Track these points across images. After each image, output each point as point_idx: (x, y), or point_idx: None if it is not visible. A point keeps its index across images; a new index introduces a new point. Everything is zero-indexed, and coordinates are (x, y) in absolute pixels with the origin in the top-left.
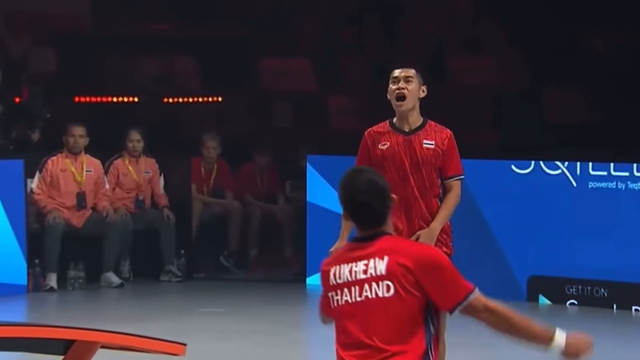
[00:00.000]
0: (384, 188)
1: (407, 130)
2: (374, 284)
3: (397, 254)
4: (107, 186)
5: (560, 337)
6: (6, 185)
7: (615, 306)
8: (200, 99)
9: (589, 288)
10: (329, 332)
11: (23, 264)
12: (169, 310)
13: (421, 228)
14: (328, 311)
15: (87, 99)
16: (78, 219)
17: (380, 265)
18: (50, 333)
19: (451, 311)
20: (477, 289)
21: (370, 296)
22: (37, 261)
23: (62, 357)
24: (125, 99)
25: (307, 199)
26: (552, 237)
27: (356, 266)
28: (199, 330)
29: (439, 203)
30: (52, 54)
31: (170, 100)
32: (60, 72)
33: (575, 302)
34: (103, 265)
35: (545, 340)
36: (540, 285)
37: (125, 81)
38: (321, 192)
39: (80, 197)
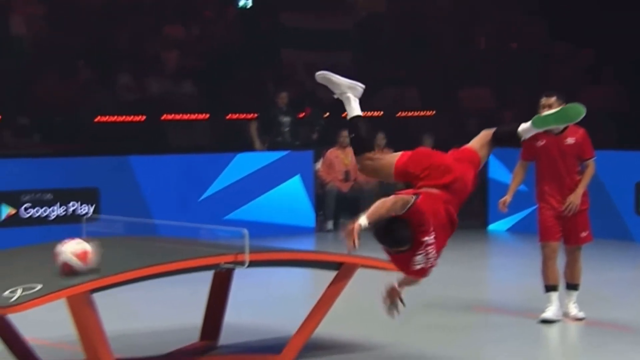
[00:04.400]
0: (406, 237)
1: (555, 132)
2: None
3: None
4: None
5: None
6: (302, 166)
7: None
8: (421, 113)
9: None
10: (506, 260)
11: (312, 214)
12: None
13: (570, 193)
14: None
15: None
16: (345, 187)
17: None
18: (328, 257)
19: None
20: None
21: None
22: (320, 212)
23: (335, 272)
24: (375, 114)
25: (489, 175)
26: None
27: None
28: None
29: (579, 176)
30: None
31: (402, 114)
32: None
33: None
34: (360, 215)
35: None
36: None
37: (374, 102)
38: (497, 170)
39: (347, 173)
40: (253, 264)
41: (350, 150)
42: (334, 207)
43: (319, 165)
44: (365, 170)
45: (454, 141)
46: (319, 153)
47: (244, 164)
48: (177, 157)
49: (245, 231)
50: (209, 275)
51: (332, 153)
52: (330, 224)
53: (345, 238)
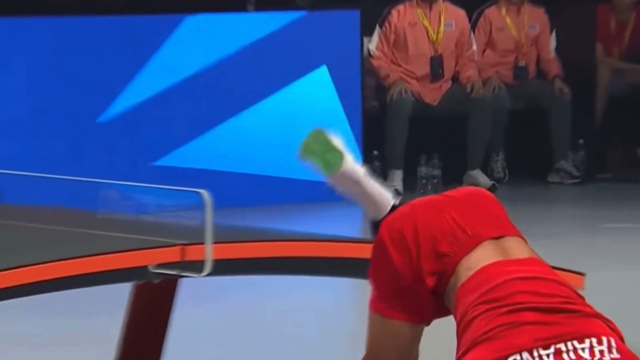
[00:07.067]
0: None
1: None
2: None
3: None
4: (475, 47)
5: None
6: (335, 46)
7: None
8: None
9: None
10: None
11: (357, 156)
12: (560, 223)
13: None
14: None
15: None
16: (432, 94)
17: None
18: None
19: None
20: None
21: None
22: (375, 153)
23: None
24: None
25: None
26: None
27: None
28: (602, 252)
29: None
30: None
31: None
32: None
33: None
34: (467, 159)
35: None
36: None
37: None
38: None
39: (436, 62)
40: (222, 268)
41: (447, 9)
42: (407, 139)
43: (374, 42)
44: None
45: None
46: (374, 16)
47: (198, 41)
48: (54, 22)
49: (205, 194)
50: (122, 294)
51: (404, 14)
52: (396, 179)
53: None
